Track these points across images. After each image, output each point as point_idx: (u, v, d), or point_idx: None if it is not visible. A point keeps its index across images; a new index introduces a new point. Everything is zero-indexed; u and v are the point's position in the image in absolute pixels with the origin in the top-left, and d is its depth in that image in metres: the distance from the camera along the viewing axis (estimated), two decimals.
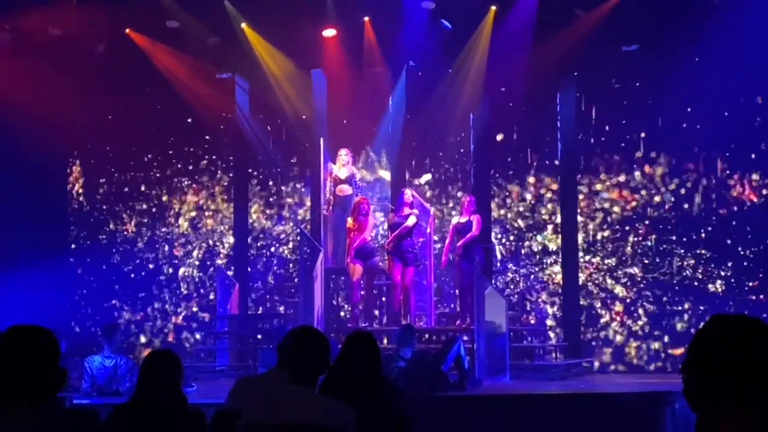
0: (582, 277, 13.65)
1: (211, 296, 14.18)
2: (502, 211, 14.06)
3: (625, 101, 13.58)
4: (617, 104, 13.64)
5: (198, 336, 14.34)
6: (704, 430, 1.97)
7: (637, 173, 13.66)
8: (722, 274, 13.18)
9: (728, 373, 1.95)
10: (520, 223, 14.03)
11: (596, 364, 13.38)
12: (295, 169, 14.65)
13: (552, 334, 13.53)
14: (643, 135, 13.60)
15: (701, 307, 13.11)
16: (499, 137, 13.97)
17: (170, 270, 14.76)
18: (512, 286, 13.89)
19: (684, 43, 12.71)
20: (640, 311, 13.48)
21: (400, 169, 13.89)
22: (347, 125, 13.97)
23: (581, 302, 13.58)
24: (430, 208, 12.47)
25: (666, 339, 13.30)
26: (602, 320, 13.58)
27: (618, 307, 13.56)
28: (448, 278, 13.16)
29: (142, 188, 14.89)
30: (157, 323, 14.70)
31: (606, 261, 13.68)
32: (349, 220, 11.55)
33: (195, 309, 14.68)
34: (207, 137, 14.77)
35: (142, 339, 14.61)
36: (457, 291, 12.05)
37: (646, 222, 13.55)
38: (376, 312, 12.62)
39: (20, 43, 13.28)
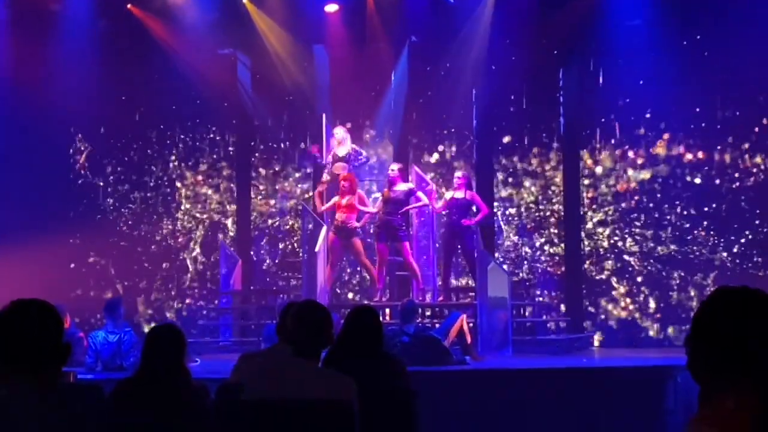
0: (586, 251, 13.67)
1: (215, 272, 14.19)
2: (506, 188, 14.04)
3: (629, 77, 13.50)
4: (622, 80, 13.56)
5: (203, 312, 14.36)
6: (708, 401, 1.98)
7: (642, 150, 13.61)
8: (732, 250, 13.11)
9: (732, 343, 1.95)
10: (525, 198, 14.01)
11: (600, 338, 13.42)
12: (301, 146, 14.61)
13: (562, 308, 13.56)
14: (648, 115, 13.53)
15: (707, 282, 13.10)
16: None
17: (174, 246, 14.76)
18: (516, 261, 13.90)
19: (689, 17, 12.62)
20: (645, 286, 13.48)
21: (402, 146, 13.85)
22: (350, 102, 13.92)
23: (585, 277, 13.59)
24: (432, 185, 12.44)
25: (670, 313, 13.32)
26: (606, 295, 13.60)
27: (622, 281, 13.57)
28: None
29: (145, 165, 14.87)
30: (161, 299, 14.71)
31: (611, 236, 13.68)
32: (336, 198, 11.47)
33: (198, 285, 14.70)
34: (209, 114, 14.71)
35: (146, 314, 14.65)
36: (440, 265, 11.98)
37: (657, 196, 13.50)
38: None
39: (21, 19, 13.22)
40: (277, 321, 4.93)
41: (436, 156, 14.23)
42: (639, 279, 13.50)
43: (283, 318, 4.84)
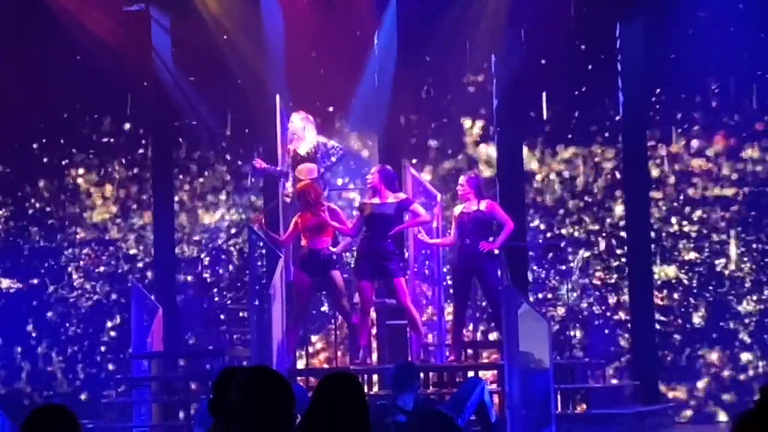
0: (659, 285, 13.64)
1: (127, 327, 14.09)
2: (540, 194, 14.03)
3: (715, 34, 13.50)
4: (704, 39, 13.56)
5: (109, 384, 14.26)
6: None
7: (735, 137, 13.63)
8: None
9: None
10: (568, 208, 14.00)
11: (685, 411, 13.40)
12: (242, 141, 14.59)
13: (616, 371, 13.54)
14: (744, 85, 13.52)
15: None
16: (540, 126, 13.89)
17: (67, 289, 14.70)
18: (557, 301, 13.89)
19: None
20: (746, 333, 13.47)
21: (391, 138, 13.83)
22: (314, 76, 13.89)
23: (658, 323, 13.58)
24: (439, 196, 12.41)
25: None
26: (693, 345, 13.58)
27: (717, 324, 13.56)
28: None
29: (28, 177, 14.88)
30: (48, 365, 14.63)
31: (693, 262, 13.66)
32: (297, 218, 11.41)
33: (105, 345, 14.63)
34: (112, 100, 14.70)
35: (27, 389, 14.56)
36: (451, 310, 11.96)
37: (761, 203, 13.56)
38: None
39: None
40: (212, 395, 4.88)
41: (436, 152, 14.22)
42: (741, 323, 13.50)
43: (219, 390, 4.78)
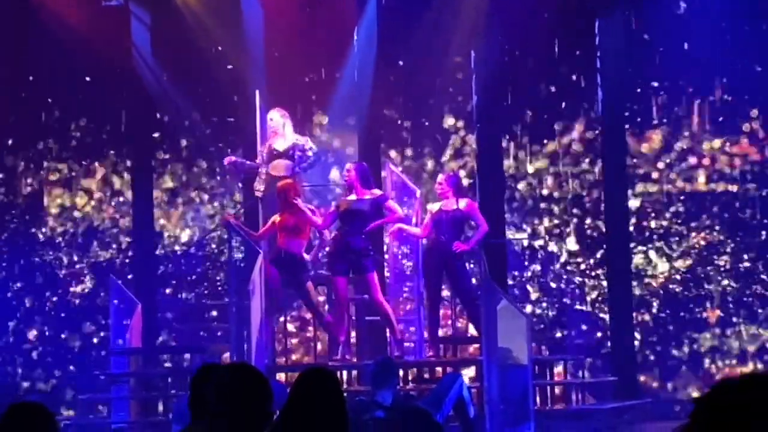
0: (637, 280, 13.68)
1: (106, 323, 14.08)
2: (521, 192, 14.03)
3: (695, 29, 13.53)
4: (684, 33, 13.59)
5: (87, 380, 14.24)
6: None
7: (717, 131, 13.67)
8: None
9: None
10: (549, 206, 14.01)
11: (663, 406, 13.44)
12: (223, 136, 14.58)
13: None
14: (724, 80, 13.56)
15: None
16: (520, 124, 13.89)
17: (45, 286, 14.67)
18: (538, 297, 13.91)
19: None
20: (728, 327, 13.52)
21: (370, 135, 13.82)
22: (294, 73, 13.89)
23: (637, 317, 13.61)
24: (415, 189, 12.41)
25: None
26: (673, 341, 13.62)
27: (695, 321, 13.60)
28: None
29: (1, 168, 14.83)
30: (27, 361, 14.61)
31: (674, 257, 13.69)
32: (276, 217, 11.38)
33: (81, 341, 14.60)
34: (92, 94, 14.66)
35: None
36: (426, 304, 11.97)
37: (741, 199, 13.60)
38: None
39: None
40: (190, 392, 4.89)
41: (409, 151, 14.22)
42: (720, 314, 13.56)
43: (197, 387, 4.79)
